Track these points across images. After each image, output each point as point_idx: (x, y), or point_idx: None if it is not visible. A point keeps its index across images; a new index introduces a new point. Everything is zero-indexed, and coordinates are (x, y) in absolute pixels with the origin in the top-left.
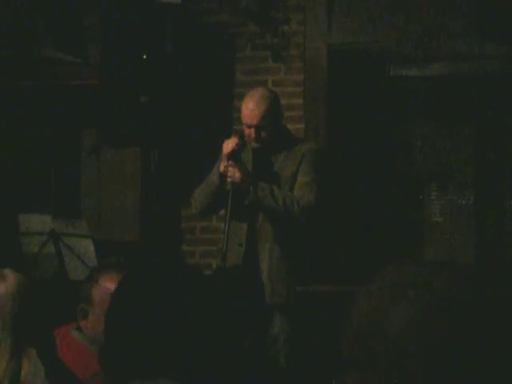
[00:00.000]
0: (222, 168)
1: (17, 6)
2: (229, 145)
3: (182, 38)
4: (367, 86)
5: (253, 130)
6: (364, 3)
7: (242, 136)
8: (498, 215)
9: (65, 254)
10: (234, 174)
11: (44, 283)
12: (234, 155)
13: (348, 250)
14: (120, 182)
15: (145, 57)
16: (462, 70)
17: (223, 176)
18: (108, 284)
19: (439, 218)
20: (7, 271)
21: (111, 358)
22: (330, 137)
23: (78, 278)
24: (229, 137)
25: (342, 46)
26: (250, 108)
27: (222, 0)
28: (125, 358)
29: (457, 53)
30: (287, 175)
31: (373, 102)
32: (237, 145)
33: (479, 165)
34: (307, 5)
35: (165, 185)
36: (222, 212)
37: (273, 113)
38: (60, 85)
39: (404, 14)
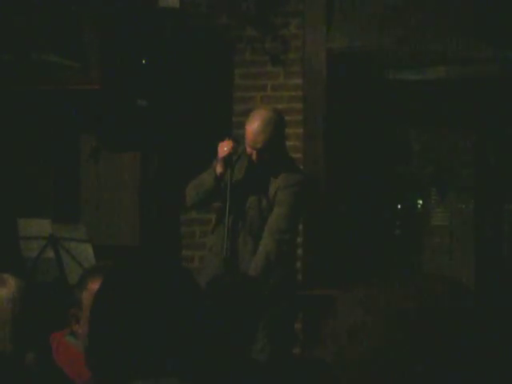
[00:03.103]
0: (218, 170)
1: (16, 11)
2: (224, 148)
3: (181, 42)
4: (366, 90)
5: (255, 152)
6: (363, 7)
7: (236, 139)
8: (497, 219)
9: (64, 259)
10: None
11: (44, 288)
12: (229, 158)
13: (348, 255)
14: (119, 186)
15: (144, 61)
16: (460, 74)
17: (219, 178)
18: (97, 287)
19: (439, 222)
20: (7, 276)
21: (98, 360)
22: (328, 141)
23: None
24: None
25: (341, 51)
26: (256, 130)
27: (221, 4)
28: (112, 359)
29: (456, 57)
30: (267, 201)
31: (372, 106)
32: (232, 148)
33: (479, 169)
34: (306, 9)
35: (164, 189)
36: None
37: (277, 137)
38: (59, 89)
39: (403, 18)
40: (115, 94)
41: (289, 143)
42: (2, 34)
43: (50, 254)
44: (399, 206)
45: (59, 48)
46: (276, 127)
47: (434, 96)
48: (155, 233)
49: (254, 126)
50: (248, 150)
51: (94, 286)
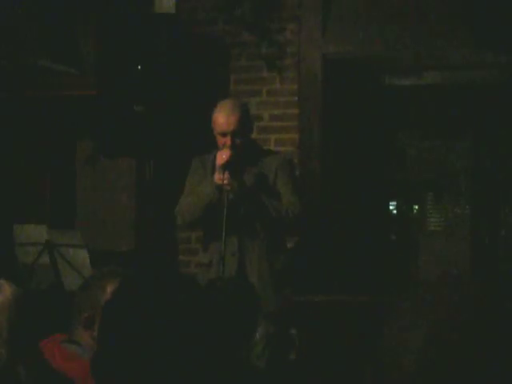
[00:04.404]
0: (216, 179)
1: (14, 16)
2: (223, 156)
3: (177, 47)
4: (362, 96)
5: (228, 138)
6: (359, 13)
7: (233, 149)
8: (493, 224)
9: (60, 265)
10: (232, 187)
11: (40, 294)
12: (228, 166)
13: (343, 260)
14: (115, 192)
15: (140, 67)
16: (457, 80)
17: (219, 187)
18: None
19: (435, 226)
20: (2, 282)
21: (104, 367)
22: (324, 146)
23: (73, 288)
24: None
25: (337, 56)
26: (226, 115)
27: (217, 10)
28: (118, 367)
29: (453, 62)
30: (266, 186)
31: (368, 111)
32: (231, 156)
33: (475, 174)
34: (302, 15)
35: (160, 195)
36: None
37: (246, 120)
38: (56, 95)
39: (399, 23)
40: (112, 99)
41: (284, 149)
42: (0, 39)
43: (46, 259)
44: (396, 211)
45: (56, 54)
46: (243, 110)
47: (430, 101)
48: (151, 238)
49: (222, 111)
50: (220, 140)
51: (113, 288)
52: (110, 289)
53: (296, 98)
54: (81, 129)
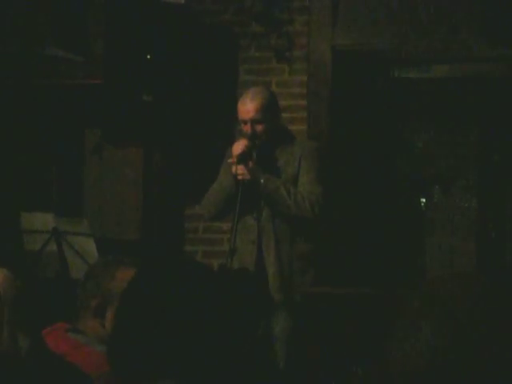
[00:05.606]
0: (233, 170)
1: (21, 4)
2: (238, 147)
3: (185, 37)
4: (371, 88)
5: (249, 125)
6: (368, 5)
7: (251, 138)
8: (500, 218)
9: (67, 253)
10: (244, 175)
11: (46, 281)
12: (243, 157)
13: (349, 253)
14: (122, 181)
15: (149, 57)
16: (465, 73)
17: (235, 177)
18: (124, 276)
19: (442, 220)
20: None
21: (120, 358)
22: (333, 138)
23: (80, 276)
24: (232, 137)
25: (346, 48)
26: (245, 103)
27: (227, 0)
28: (134, 358)
29: (460, 55)
30: (290, 174)
31: (376, 103)
32: (246, 146)
33: (482, 168)
34: (311, 6)
35: (167, 184)
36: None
37: (268, 108)
38: (63, 83)
39: (408, 15)
40: (120, 88)
41: None
42: (6, 27)
43: (53, 247)
44: (401, 205)
45: (63, 42)
46: (266, 98)
47: (437, 94)
48: (158, 228)
49: (244, 98)
50: (243, 128)
51: (123, 275)
52: (119, 276)
53: (305, 90)
54: (88, 117)
